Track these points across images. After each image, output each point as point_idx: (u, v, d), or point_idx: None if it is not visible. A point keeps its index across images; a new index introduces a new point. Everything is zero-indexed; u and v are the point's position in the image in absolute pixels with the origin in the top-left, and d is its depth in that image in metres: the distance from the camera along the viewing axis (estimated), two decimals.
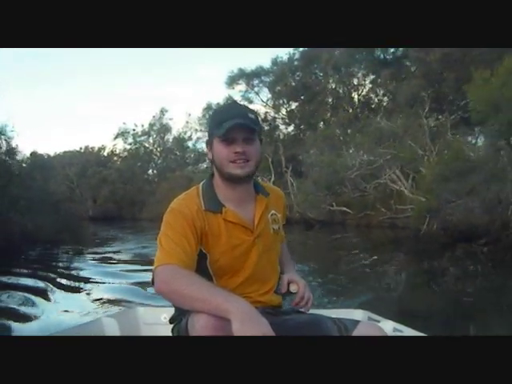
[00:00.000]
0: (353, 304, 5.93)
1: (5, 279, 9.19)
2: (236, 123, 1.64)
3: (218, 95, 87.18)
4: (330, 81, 30.66)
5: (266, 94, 35.73)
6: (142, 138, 53.96)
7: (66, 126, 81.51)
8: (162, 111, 53.04)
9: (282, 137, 34.53)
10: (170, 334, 1.77)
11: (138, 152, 53.47)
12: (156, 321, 2.50)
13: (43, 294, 7.80)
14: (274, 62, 33.78)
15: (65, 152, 53.92)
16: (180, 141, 52.19)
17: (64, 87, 79.84)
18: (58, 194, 21.40)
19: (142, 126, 54.23)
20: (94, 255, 13.33)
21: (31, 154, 24.07)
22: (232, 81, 35.00)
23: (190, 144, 51.74)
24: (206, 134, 1.84)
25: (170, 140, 53.66)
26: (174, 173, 46.87)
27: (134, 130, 53.66)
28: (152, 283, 1.57)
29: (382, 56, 27.82)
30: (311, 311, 1.89)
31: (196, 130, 48.03)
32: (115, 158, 54.67)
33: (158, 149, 53.89)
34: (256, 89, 35.57)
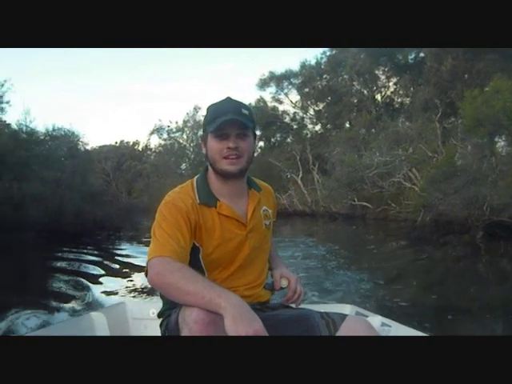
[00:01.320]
0: (361, 268, 8.85)
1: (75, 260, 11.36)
2: (228, 119, 1.68)
3: (250, 96, 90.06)
4: (355, 83, 33.06)
5: (294, 95, 38.25)
6: (177, 134, 55.72)
7: (102, 120, 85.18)
8: (196, 108, 55.04)
9: (309, 136, 37.10)
10: (159, 329, 1.78)
11: (172, 147, 55.26)
12: (144, 315, 2.51)
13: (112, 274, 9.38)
14: (303, 65, 36.44)
15: (101, 146, 56.36)
16: None
17: (98, 82, 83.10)
18: (95, 186, 22.59)
19: (177, 122, 56.32)
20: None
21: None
22: (263, 83, 37.87)
23: None
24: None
25: None
26: None
27: (168, 126, 55.78)
28: (146, 275, 1.58)
29: (403, 61, 30.20)
30: (300, 305, 1.93)
31: None
32: (149, 153, 56.33)
33: (191, 144, 56.77)
34: (285, 90, 38.23)
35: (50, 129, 18.37)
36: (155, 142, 57.59)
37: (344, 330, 1.65)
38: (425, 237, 13.25)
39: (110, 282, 8.55)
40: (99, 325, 2.39)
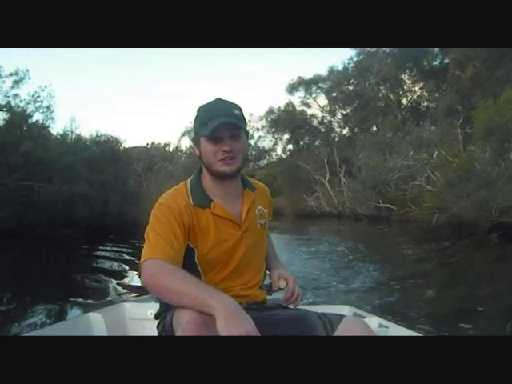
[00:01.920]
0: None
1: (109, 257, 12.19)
2: (221, 122, 1.66)
3: (279, 100, 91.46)
4: (382, 88, 34.18)
5: (322, 99, 39.76)
6: None
7: (134, 120, 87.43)
8: None
9: (337, 139, 38.36)
10: (156, 330, 1.81)
11: None
12: (142, 316, 2.53)
13: None
14: (331, 70, 37.97)
15: (132, 148, 57.74)
16: None
17: (129, 82, 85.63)
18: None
19: None
20: None
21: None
22: (292, 88, 39.36)
23: (251, 142, 53.97)
24: (192, 132, 1.92)
25: None
26: None
27: None
28: (139, 276, 1.59)
29: (428, 66, 31.25)
30: (298, 306, 1.94)
31: (257, 128, 50.33)
32: (179, 154, 57.48)
33: None
34: (314, 95, 39.79)
35: (94, 134, 20.09)
36: (186, 143, 58.93)
37: (341, 331, 1.66)
38: (439, 237, 14.45)
39: None
40: (97, 325, 2.41)
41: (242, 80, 79.89)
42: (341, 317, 1.73)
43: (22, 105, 17.32)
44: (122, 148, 21.81)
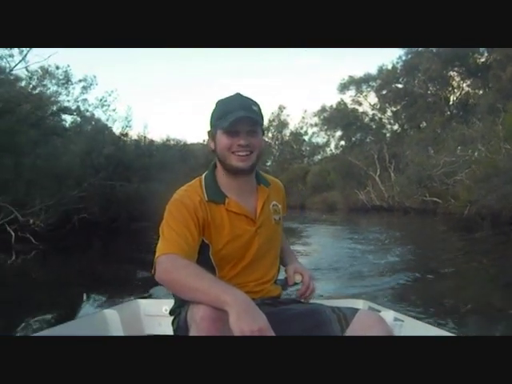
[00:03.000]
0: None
1: None
2: (240, 116, 1.69)
3: (331, 98, 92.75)
4: (430, 85, 35.82)
5: (373, 97, 42.11)
6: None
7: (189, 118, 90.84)
8: (281, 108, 59.26)
9: (388, 135, 40.34)
10: (171, 326, 1.84)
11: None
12: (157, 313, 2.56)
13: None
14: (380, 69, 40.19)
15: (189, 144, 59.95)
16: (296, 135, 57.82)
17: (184, 77, 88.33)
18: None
19: None
20: None
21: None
22: (343, 87, 41.66)
23: (305, 138, 57.30)
24: (208, 126, 1.85)
25: (288, 134, 59.46)
26: (291, 165, 53.70)
27: None
28: (153, 272, 1.61)
29: (473, 64, 32.71)
30: (312, 300, 1.96)
31: (311, 125, 54.08)
32: None
33: (277, 142, 59.74)
34: (364, 93, 42.24)
35: (165, 138, 22.76)
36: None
37: (355, 325, 1.67)
38: (472, 227, 16.52)
39: None
40: (113, 322, 2.43)
41: (296, 74, 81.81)
42: (355, 310, 1.75)
43: (90, 109, 19.49)
44: (187, 147, 24.03)
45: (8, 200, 12.14)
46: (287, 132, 59.79)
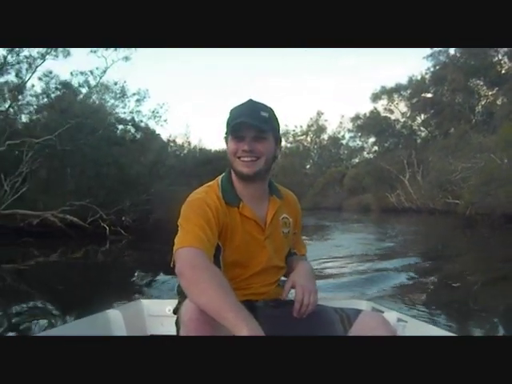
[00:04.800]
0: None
1: None
2: (239, 121, 1.70)
3: (365, 106, 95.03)
4: (457, 95, 39.12)
5: (403, 106, 45.43)
6: (301, 137, 64.17)
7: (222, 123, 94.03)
8: (319, 114, 63.08)
9: (419, 141, 43.73)
10: (174, 326, 1.83)
11: (297, 149, 62.99)
12: (160, 313, 2.56)
13: None
14: (410, 80, 43.82)
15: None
16: (334, 139, 60.78)
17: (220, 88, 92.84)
18: None
19: (301, 126, 63.85)
20: None
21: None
22: (376, 96, 45.50)
23: (343, 142, 60.39)
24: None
25: (326, 138, 62.79)
26: (330, 168, 56.74)
27: (293, 130, 63.83)
28: (172, 264, 1.58)
29: (497, 74, 35.89)
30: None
31: (349, 129, 57.01)
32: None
33: (315, 146, 63.63)
34: (396, 102, 45.70)
35: (218, 149, 26.29)
36: (282, 144, 63.97)
37: (358, 325, 1.69)
38: (466, 223, 20.20)
39: None
40: (116, 322, 2.43)
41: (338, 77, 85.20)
42: (358, 311, 1.77)
43: (144, 119, 21.79)
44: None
45: (95, 203, 15.77)
46: (325, 136, 62.85)
